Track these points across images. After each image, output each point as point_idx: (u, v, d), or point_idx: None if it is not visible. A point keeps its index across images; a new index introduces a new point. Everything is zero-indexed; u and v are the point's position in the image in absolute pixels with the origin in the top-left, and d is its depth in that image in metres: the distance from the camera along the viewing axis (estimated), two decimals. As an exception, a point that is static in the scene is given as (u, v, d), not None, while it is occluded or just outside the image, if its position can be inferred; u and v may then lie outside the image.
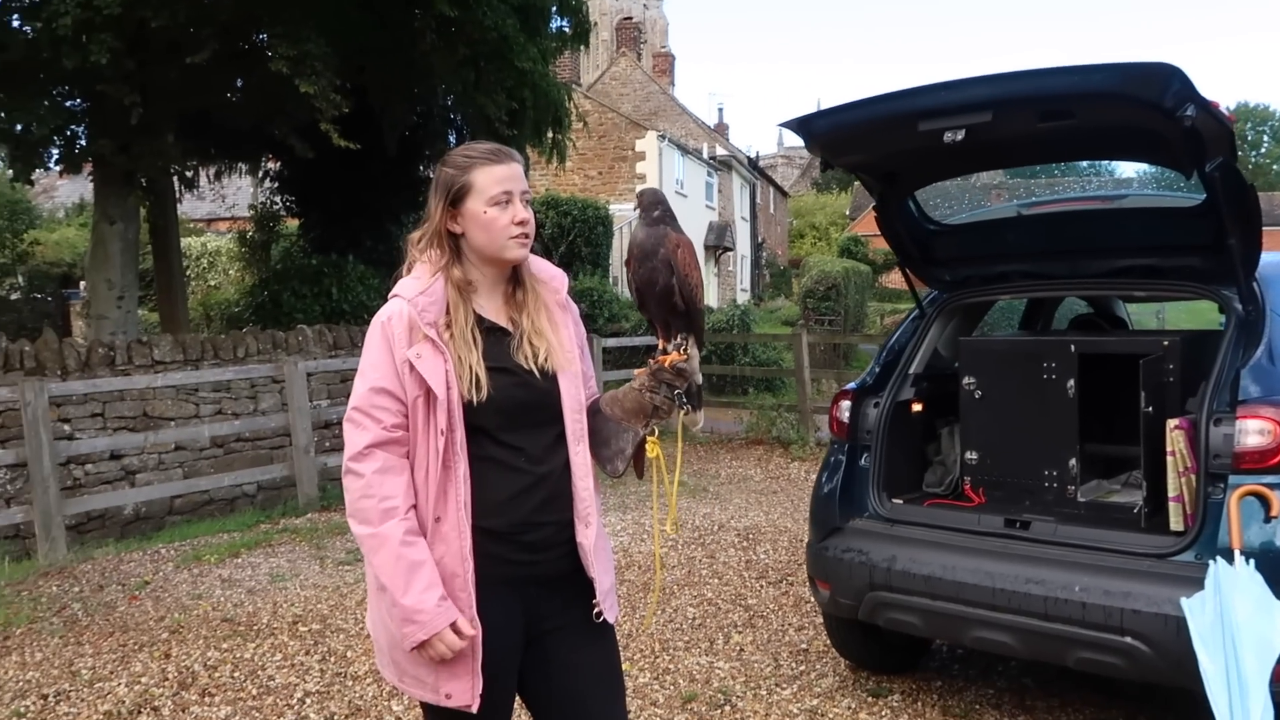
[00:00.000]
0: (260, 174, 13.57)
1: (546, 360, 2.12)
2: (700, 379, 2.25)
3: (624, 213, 25.36)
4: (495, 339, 2.12)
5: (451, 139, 12.39)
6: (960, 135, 3.26)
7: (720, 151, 35.72)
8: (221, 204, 22.84)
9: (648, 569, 6.19)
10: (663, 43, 45.48)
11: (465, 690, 2.03)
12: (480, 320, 2.12)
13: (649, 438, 2.22)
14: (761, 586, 5.86)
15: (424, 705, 2.14)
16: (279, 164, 12.51)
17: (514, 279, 2.20)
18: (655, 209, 2.20)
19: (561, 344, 2.17)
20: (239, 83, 9.89)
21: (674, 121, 34.67)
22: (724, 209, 36.18)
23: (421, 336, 2.05)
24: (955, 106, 3.26)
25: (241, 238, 15.90)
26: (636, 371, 2.22)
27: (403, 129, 10.38)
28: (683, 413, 2.19)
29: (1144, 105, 3.02)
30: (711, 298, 33.40)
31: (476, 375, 2.04)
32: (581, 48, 12.82)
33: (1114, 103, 3.09)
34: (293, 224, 13.99)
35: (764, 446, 11.08)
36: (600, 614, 2.17)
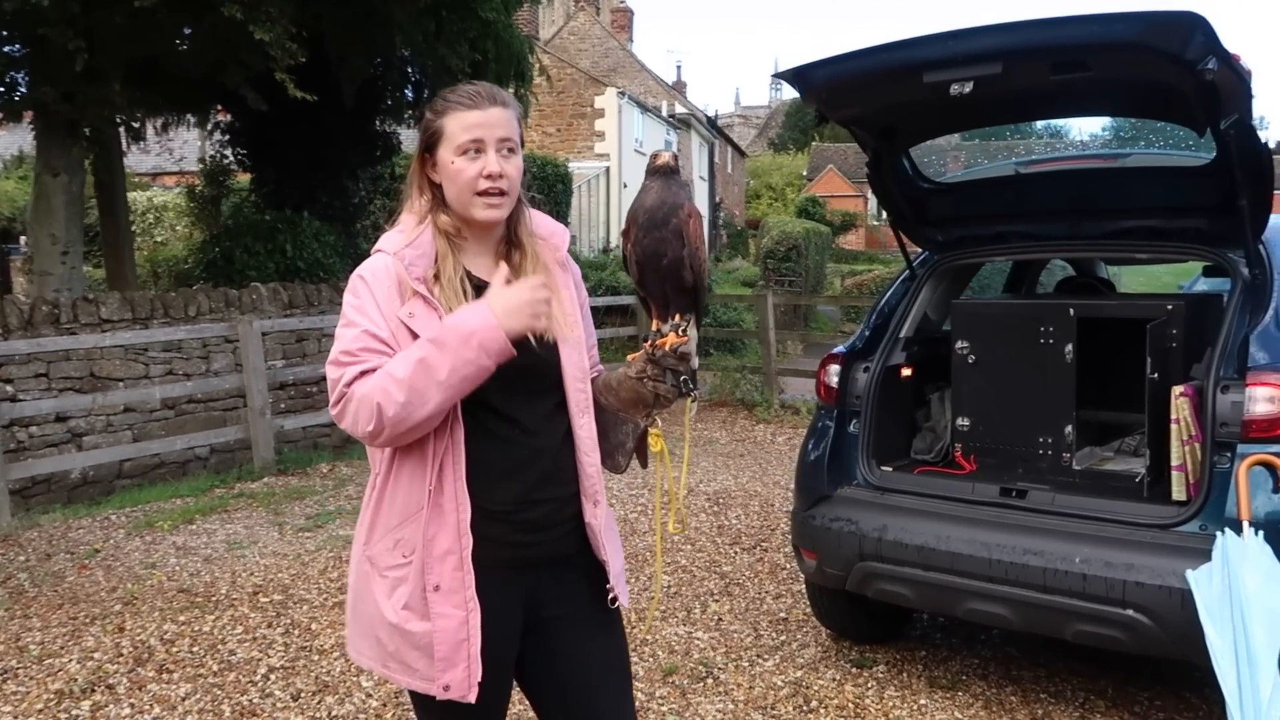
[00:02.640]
0: (210, 126, 13.06)
1: (546, 329, 1.92)
2: (697, 361, 2.03)
3: (583, 170, 25.02)
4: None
5: (409, 93, 12.01)
6: (968, 88, 3.10)
7: (679, 109, 35.32)
8: (169, 157, 22.16)
9: (630, 541, 6.04)
10: (620, -2, 44.71)
11: (462, 680, 1.84)
12: (470, 275, 1.92)
13: (651, 429, 2.03)
14: (736, 553, 5.74)
15: (413, 695, 1.96)
16: (230, 116, 12.03)
17: (508, 239, 1.98)
18: (661, 171, 1.96)
19: (564, 310, 1.97)
20: (189, 30, 9.44)
21: (633, 78, 34.19)
22: (683, 168, 35.84)
23: (411, 293, 1.85)
24: (963, 57, 3.09)
25: (190, 192, 15.37)
26: (630, 357, 2.00)
27: (361, 80, 9.98)
28: (689, 400, 1.99)
29: (1164, 57, 2.87)
30: (670, 258, 33.10)
31: None
32: (541, 1, 12.47)
33: (1133, 54, 2.94)
34: (244, 179, 13.51)
35: (728, 409, 10.99)
36: (615, 599, 2.00)
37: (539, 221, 2.04)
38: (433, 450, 1.83)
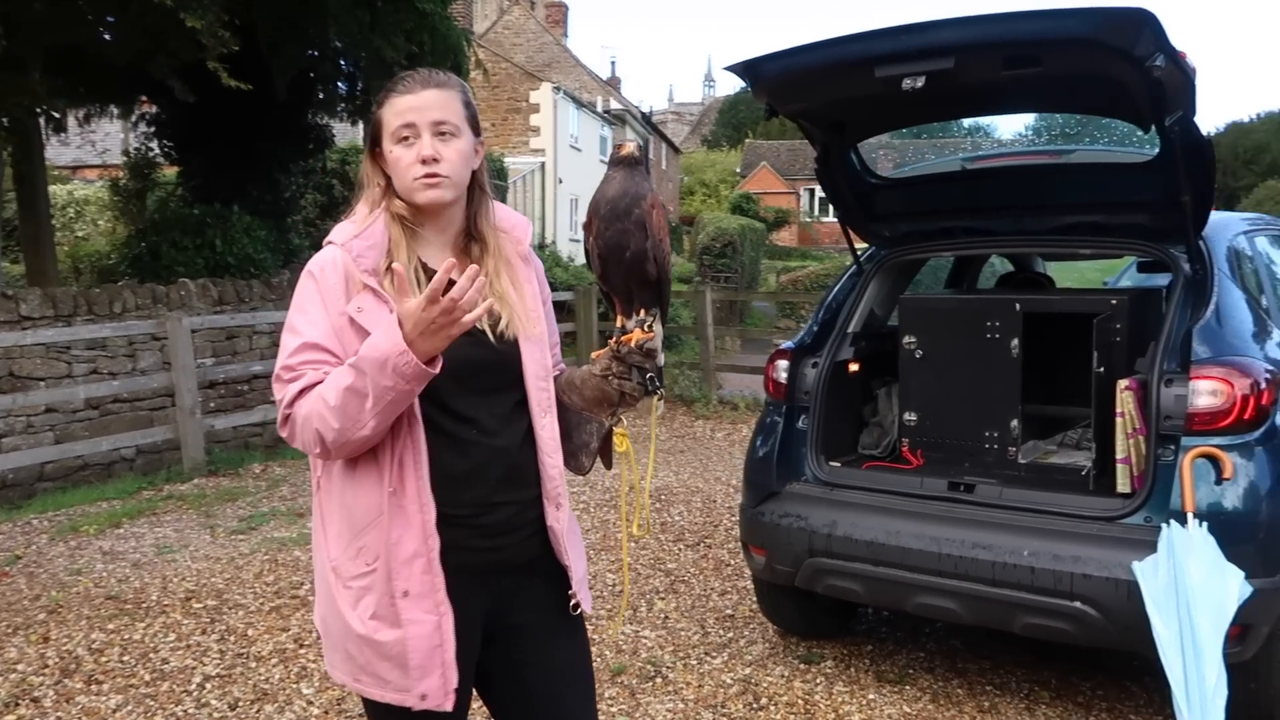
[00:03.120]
0: (134, 118, 12.67)
1: (506, 326, 1.84)
2: (664, 357, 1.96)
3: (518, 165, 24.82)
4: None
5: (343, 85, 11.77)
6: (920, 83, 3.09)
7: (614, 105, 35.31)
8: (90, 150, 21.46)
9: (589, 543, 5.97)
10: (555, -7, 44.47)
11: (438, 688, 1.76)
12: (425, 267, 1.83)
13: (616, 429, 1.96)
14: (680, 550, 5.72)
15: (371, 706, 1.86)
16: (156, 108, 11.68)
17: (468, 231, 1.90)
18: (625, 162, 1.90)
19: (525, 306, 1.89)
20: (113, 18, 9.13)
21: (568, 74, 34.05)
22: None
23: (360, 287, 1.76)
24: (916, 51, 3.09)
25: (114, 186, 14.89)
26: (594, 354, 1.93)
27: (294, 72, 9.74)
28: (656, 399, 1.93)
29: (1114, 53, 2.89)
30: (606, 255, 33.06)
31: None
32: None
33: (1084, 50, 2.96)
34: (171, 172, 13.15)
35: (666, 404, 10.96)
36: (577, 605, 1.93)
37: (501, 214, 1.96)
38: (391, 451, 1.75)
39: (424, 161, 1.78)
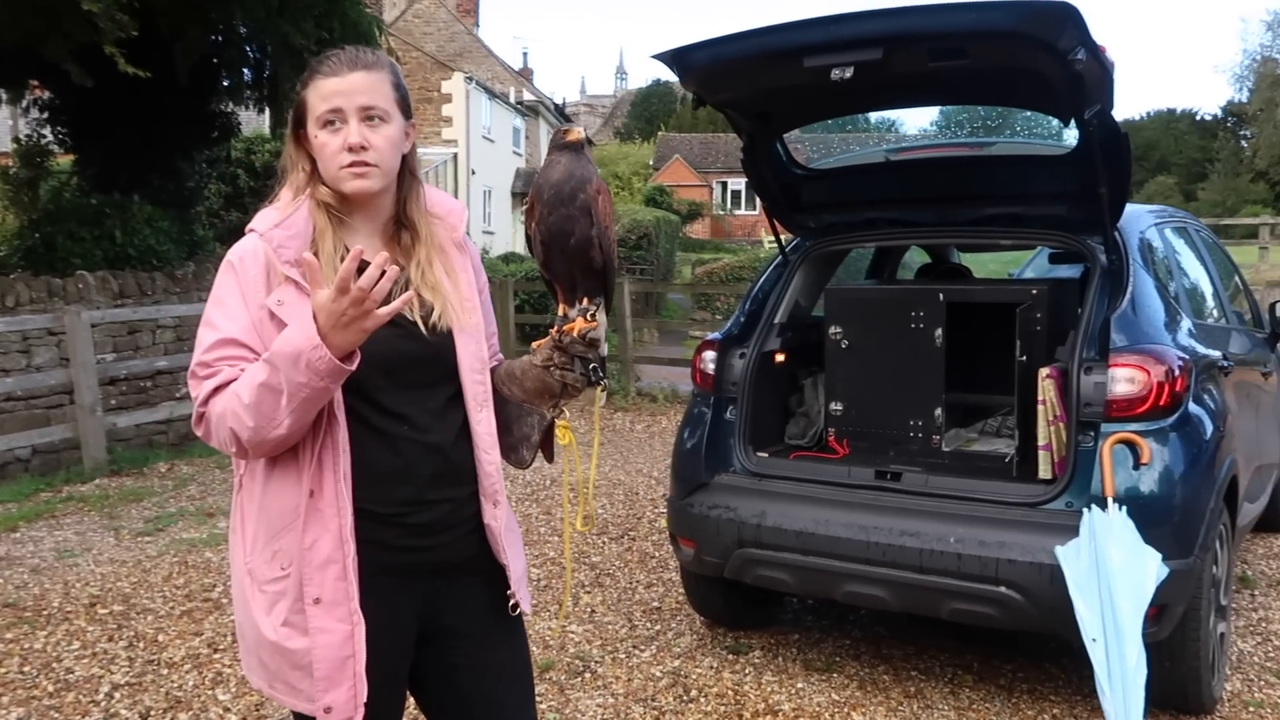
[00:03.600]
0: (25, 103, 12.09)
1: (439, 317, 1.77)
2: (606, 348, 1.93)
3: (429, 157, 24.46)
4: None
5: (249, 72, 11.40)
6: (849, 73, 3.10)
7: (527, 97, 35.05)
8: (-24, 136, 20.46)
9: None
10: (465, -18, 43.88)
11: (347, 700, 1.68)
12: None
13: (559, 421, 1.91)
14: (604, 543, 5.68)
15: (297, 716, 1.80)
16: (49, 92, 11.15)
17: (398, 218, 1.82)
18: (571, 146, 1.84)
19: (460, 296, 1.82)
20: (-2, -4, 8.69)
21: (479, 64, 33.68)
22: (531, 155, 35.57)
23: (282, 279, 1.68)
24: (844, 42, 3.09)
25: (3, 174, 14.20)
26: (535, 344, 1.88)
27: (196, 57, 9.38)
28: (599, 389, 1.89)
29: (1038, 46, 2.93)
30: (519, 245, 32.87)
31: None
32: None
33: (1009, 42, 3.00)
34: (65, 160, 12.59)
35: (584, 397, 10.87)
36: (516, 605, 1.87)
37: (435, 199, 1.89)
38: (310, 451, 1.67)
39: (351, 149, 1.70)
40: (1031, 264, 6.78)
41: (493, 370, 1.89)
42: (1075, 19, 2.82)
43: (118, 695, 3.77)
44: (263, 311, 1.67)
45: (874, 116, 40.09)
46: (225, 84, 10.90)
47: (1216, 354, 3.86)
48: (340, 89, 1.70)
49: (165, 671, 3.96)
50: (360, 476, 1.69)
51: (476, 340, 1.83)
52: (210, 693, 3.77)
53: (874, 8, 3.07)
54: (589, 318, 1.83)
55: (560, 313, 1.88)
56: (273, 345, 1.59)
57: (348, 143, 1.69)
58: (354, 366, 1.58)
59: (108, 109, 9.87)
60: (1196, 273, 4.55)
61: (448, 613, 1.83)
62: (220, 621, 4.42)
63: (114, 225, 9.50)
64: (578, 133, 1.82)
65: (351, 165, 1.70)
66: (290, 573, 1.68)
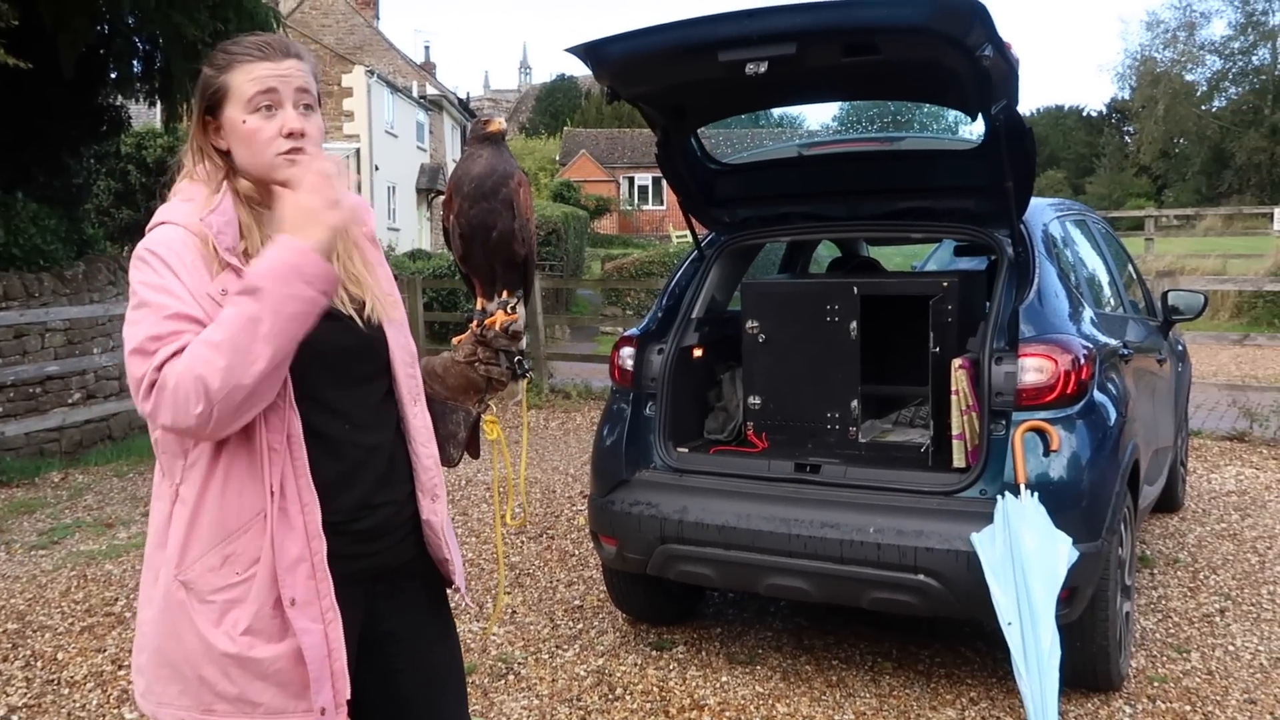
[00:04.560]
0: (-105, 95, 11.48)
1: (371, 309, 1.72)
2: (526, 340, 1.91)
3: (331, 151, 23.93)
4: None
5: (139, 64, 10.97)
6: (763, 67, 3.11)
7: (431, 91, 34.58)
8: None
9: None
10: (364, -27, 43.04)
11: (329, 700, 1.62)
12: None
13: (485, 416, 1.89)
14: (522, 542, 5.62)
15: None
16: (-80, 84, 10.61)
17: None
18: (491, 138, 1.81)
19: (383, 289, 1.77)
20: None
21: (380, 57, 33.09)
22: (436, 150, 35.12)
23: (222, 265, 1.59)
24: (759, 36, 3.10)
25: None
26: (456, 339, 1.85)
27: (82, 49, 8.99)
28: (524, 381, 1.87)
29: (947, 42, 2.99)
30: (425, 242, 32.42)
31: None
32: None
33: (919, 38, 3.04)
34: (-61, 155, 11.98)
35: (504, 392, 10.80)
36: (461, 600, 1.85)
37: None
38: (266, 445, 1.58)
39: (291, 135, 1.63)
40: (934, 256, 6.94)
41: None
42: (983, 16, 2.88)
43: (15, 718, 3.59)
44: (207, 300, 1.56)
45: (777, 112, 40.71)
46: (114, 76, 10.47)
47: (1117, 342, 3.99)
48: (277, 72, 1.64)
49: (66, 691, 3.79)
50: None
51: (404, 333, 1.80)
52: (115, 711, 3.62)
53: (787, 3, 3.08)
54: (509, 310, 1.81)
55: (479, 307, 1.85)
56: (249, 272, 1.52)
57: (287, 127, 1.63)
58: (337, 269, 1.56)
59: (-13, 102, 9.41)
60: (1095, 264, 4.70)
61: (387, 617, 1.79)
62: (124, 636, 4.25)
63: (-4, 224, 9.06)
64: (498, 124, 1.80)
65: (290, 152, 1.63)
66: (249, 576, 1.59)
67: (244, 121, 1.64)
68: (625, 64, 3.41)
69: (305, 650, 1.60)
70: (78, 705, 3.68)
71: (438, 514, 1.79)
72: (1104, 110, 60.67)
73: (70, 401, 8.25)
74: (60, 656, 4.10)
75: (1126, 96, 51.18)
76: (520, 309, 1.87)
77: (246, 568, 1.60)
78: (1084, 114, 63.89)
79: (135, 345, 1.54)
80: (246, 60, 1.65)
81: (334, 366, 1.65)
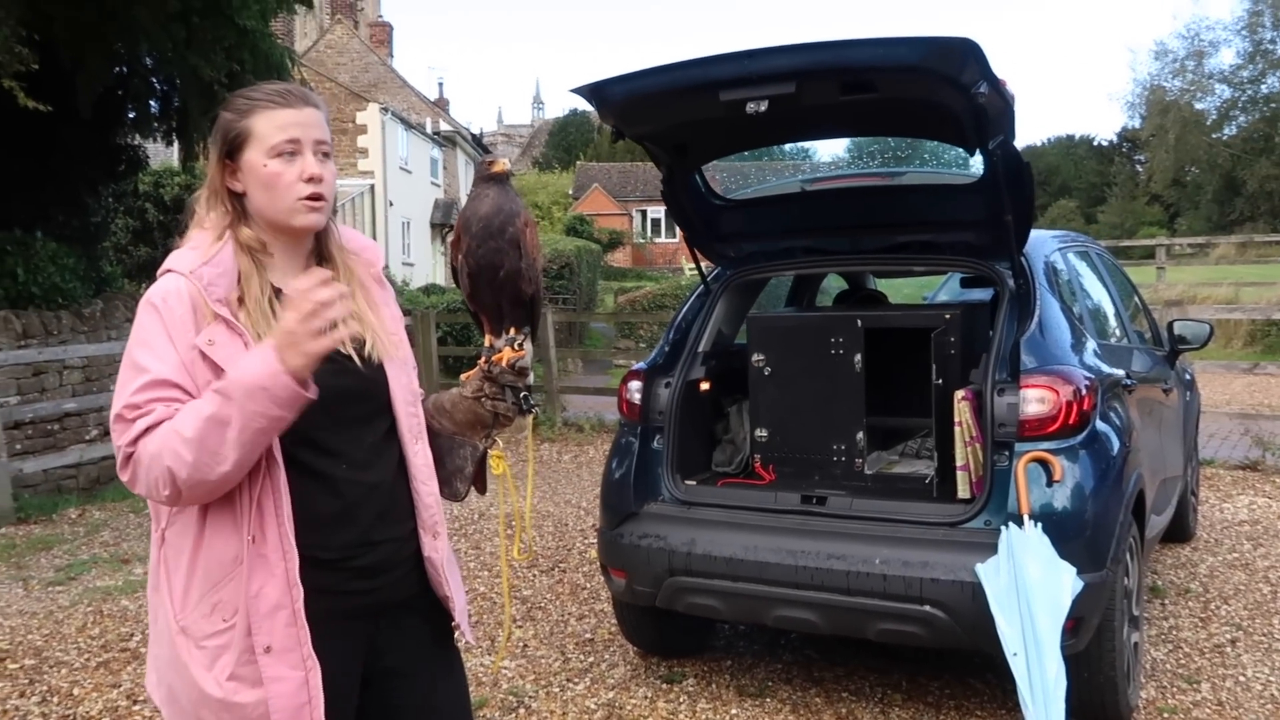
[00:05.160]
0: (-83, 137, 11.70)
1: (371, 348, 1.77)
2: (532, 376, 1.96)
3: (346, 189, 24.20)
4: None
5: (156, 104, 11.17)
6: (763, 106, 3.17)
7: (444, 127, 34.93)
8: None
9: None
10: (378, 12, 43.64)
11: None
12: (279, 293, 1.73)
13: (492, 451, 1.93)
14: (534, 576, 5.65)
15: None
16: (-59, 126, 10.82)
17: (317, 252, 1.82)
18: (497, 178, 1.87)
19: (385, 328, 1.83)
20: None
21: (395, 94, 33.48)
22: (449, 186, 35.43)
23: (211, 317, 1.65)
24: (758, 76, 3.17)
25: (-106, 211, 13.66)
26: (464, 376, 1.90)
27: (100, 89, 9.16)
28: (530, 417, 1.91)
29: (942, 80, 3.05)
30: (439, 277, 32.63)
31: None
32: (300, 9, 11.92)
33: (915, 76, 3.11)
34: (-39, 195, 12.19)
35: (511, 429, 10.82)
36: (462, 637, 1.88)
37: (348, 236, 1.90)
38: (249, 495, 1.64)
39: (311, 180, 1.70)
40: (944, 288, 6.98)
41: (420, 404, 1.90)
42: (976, 54, 2.94)
43: (30, 754, 3.63)
44: (193, 352, 1.64)
45: (789, 146, 40.93)
46: (131, 116, 10.65)
47: (1120, 372, 4.01)
48: (299, 120, 1.72)
49: (81, 726, 3.83)
50: (303, 522, 1.67)
51: (407, 372, 1.84)
52: (129, 746, 3.66)
53: (786, 43, 3.15)
54: (516, 347, 1.86)
55: (487, 343, 1.90)
56: (227, 376, 1.57)
57: (308, 173, 1.70)
58: (313, 394, 1.57)
59: (6, 143, 9.57)
60: (1099, 294, 4.73)
61: (390, 653, 1.83)
62: (140, 671, 4.29)
63: (15, 262, 9.19)
64: (503, 164, 1.85)
65: (309, 198, 1.71)
66: (235, 623, 1.64)
67: (265, 165, 1.71)
68: (628, 104, 3.48)
69: (273, 699, 1.63)
70: (92, 740, 3.72)
71: (439, 551, 1.83)
72: (1115, 139, 60.76)
73: (88, 438, 8.34)
74: (76, 692, 4.14)
75: (1137, 125, 51.18)
76: (528, 346, 1.92)
77: (231, 615, 1.64)
78: (1095, 143, 63.99)
79: (117, 411, 1.63)
80: (269, 107, 1.72)
81: (330, 409, 1.67)
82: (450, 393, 1.91)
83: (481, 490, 1.99)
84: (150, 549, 1.76)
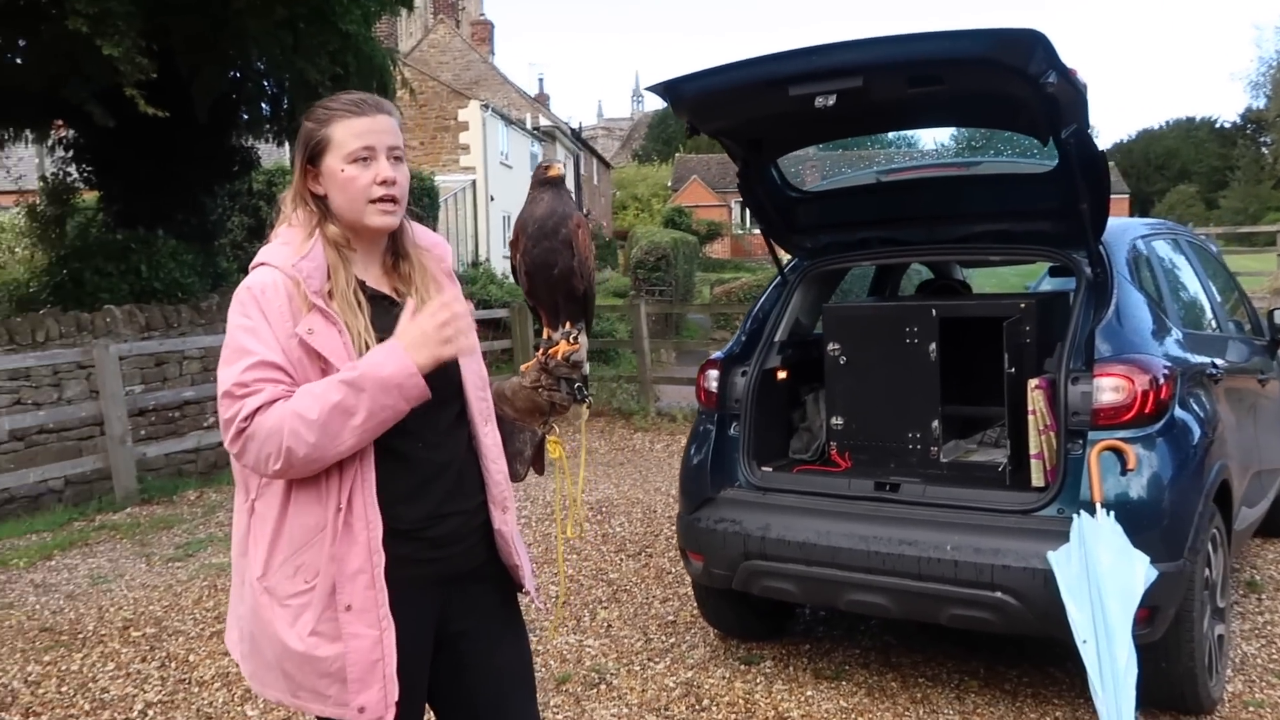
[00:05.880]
0: (50, 142, 12.43)
1: (460, 351, 1.91)
2: (589, 367, 2.10)
3: (449, 184, 24.74)
4: (381, 308, 1.90)
5: (267, 107, 11.67)
6: (831, 100, 3.24)
7: (543, 122, 35.37)
8: (4, 176, 20.93)
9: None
10: (480, 10, 44.42)
11: (378, 701, 1.81)
12: (363, 286, 1.90)
13: (549, 437, 2.07)
14: (621, 560, 5.80)
15: None
16: (73, 132, 11.46)
17: (394, 249, 1.98)
18: (552, 182, 2.01)
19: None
20: (24, 42, 8.98)
21: (495, 91, 34.05)
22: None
23: (308, 308, 1.81)
24: (826, 71, 3.24)
25: (31, 212, 14.54)
26: (524, 366, 2.05)
27: (214, 94, 9.65)
28: (584, 406, 2.05)
29: (1010, 71, 3.07)
30: (539, 270, 33.04)
31: (366, 344, 1.82)
32: (403, 11, 12.29)
33: (981, 68, 3.13)
34: (90, 197, 12.90)
35: (605, 418, 11.04)
36: (532, 603, 2.04)
37: (419, 233, 2.04)
38: (338, 471, 1.80)
39: (384, 183, 1.85)
40: (1047, 276, 6.90)
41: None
42: (1043, 44, 2.96)
43: (151, 713, 3.93)
44: (292, 340, 1.80)
45: (891, 135, 40.32)
46: (244, 118, 11.17)
47: (1205, 361, 3.95)
48: (373, 128, 1.87)
49: (196, 690, 4.12)
50: (382, 496, 1.83)
51: (477, 360, 1.99)
52: (239, 709, 3.93)
53: (854, 38, 3.21)
54: (571, 341, 1.99)
55: (545, 336, 2.03)
56: (359, 370, 1.73)
57: (381, 176, 1.85)
58: (430, 394, 1.76)
59: (129, 146, 10.15)
60: (1189, 283, 4.64)
61: (459, 617, 1.98)
62: (247, 642, 4.57)
63: (139, 260, 9.76)
64: (557, 169, 1.99)
65: (382, 200, 1.86)
66: (315, 585, 1.81)
67: (342, 170, 1.87)
68: (701, 101, 3.58)
69: (350, 654, 1.80)
70: (206, 702, 4.00)
71: (508, 524, 1.98)
72: (1238, 121, 58.14)
73: (205, 425, 8.81)
74: (191, 658, 4.45)
75: (1262, 106, 48.88)
76: (582, 339, 2.05)
77: (313, 577, 1.81)
78: (1216, 125, 61.33)
79: (225, 389, 1.79)
80: (346, 116, 1.88)
81: None
82: (511, 381, 2.06)
83: (540, 472, 2.13)
84: (235, 518, 1.94)
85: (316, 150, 1.89)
